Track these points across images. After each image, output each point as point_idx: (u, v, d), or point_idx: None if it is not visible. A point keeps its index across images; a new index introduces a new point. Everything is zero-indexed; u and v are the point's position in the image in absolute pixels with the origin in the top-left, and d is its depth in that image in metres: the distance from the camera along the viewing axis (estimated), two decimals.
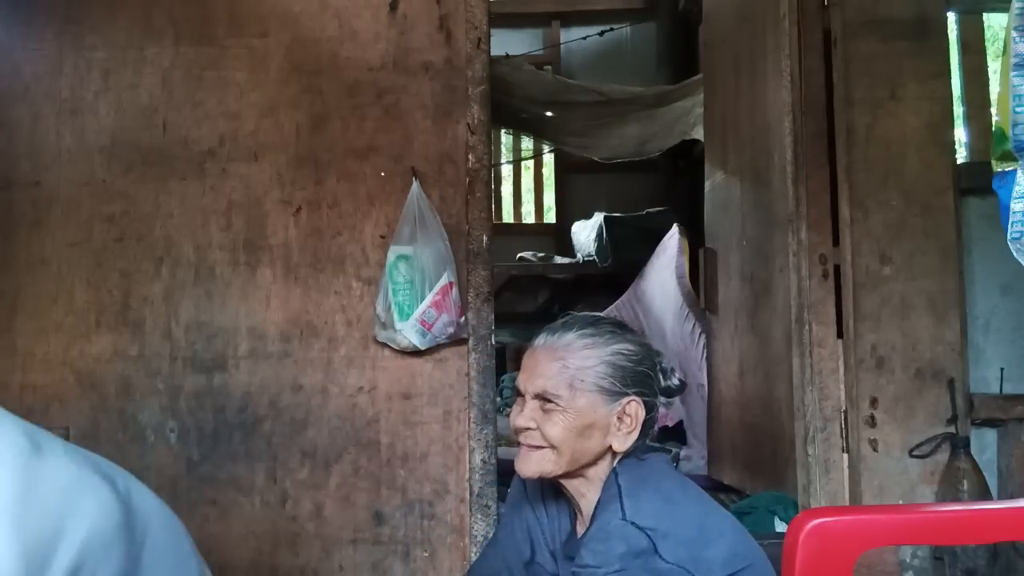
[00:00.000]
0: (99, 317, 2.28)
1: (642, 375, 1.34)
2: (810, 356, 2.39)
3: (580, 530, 1.36)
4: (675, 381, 1.38)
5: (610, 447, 1.32)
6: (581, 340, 1.33)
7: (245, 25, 2.35)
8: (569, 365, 1.31)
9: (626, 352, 1.33)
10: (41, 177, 2.32)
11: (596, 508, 1.31)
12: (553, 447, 1.31)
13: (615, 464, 1.33)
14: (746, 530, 1.33)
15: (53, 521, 0.78)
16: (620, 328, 1.38)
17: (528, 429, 1.33)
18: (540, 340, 1.36)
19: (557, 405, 1.30)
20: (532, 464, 1.33)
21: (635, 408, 1.32)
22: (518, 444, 1.36)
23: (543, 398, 1.31)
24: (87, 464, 0.85)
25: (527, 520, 1.43)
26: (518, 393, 1.37)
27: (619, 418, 1.31)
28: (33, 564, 0.75)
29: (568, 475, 1.33)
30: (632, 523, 1.21)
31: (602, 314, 1.45)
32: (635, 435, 1.32)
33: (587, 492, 1.34)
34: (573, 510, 1.39)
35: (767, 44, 2.89)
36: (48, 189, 2.31)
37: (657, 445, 1.43)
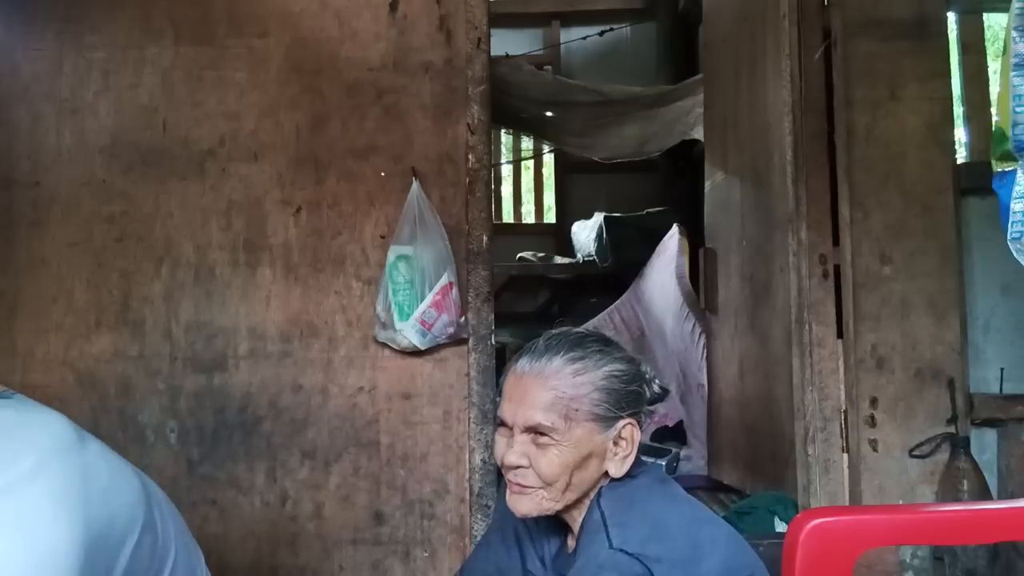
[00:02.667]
0: (99, 317, 2.28)
1: (634, 394, 1.28)
2: (810, 356, 2.39)
3: (571, 544, 1.32)
4: (657, 389, 1.33)
5: (606, 472, 1.27)
6: (571, 365, 1.24)
7: (245, 25, 2.35)
8: (562, 395, 1.22)
9: (617, 373, 1.26)
10: (41, 177, 2.32)
11: (580, 537, 1.26)
12: (547, 485, 1.23)
13: (602, 485, 1.27)
14: (742, 539, 1.29)
15: (107, 508, 0.87)
16: (606, 345, 1.30)
17: (519, 467, 1.24)
18: (524, 365, 1.26)
19: (552, 439, 1.22)
20: (531, 506, 1.25)
21: (631, 431, 1.26)
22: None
23: (536, 431, 1.23)
24: (117, 455, 0.95)
25: (517, 528, 1.38)
26: (502, 423, 1.27)
27: (615, 443, 1.25)
28: (96, 545, 0.83)
29: (568, 507, 1.28)
30: (621, 550, 1.15)
31: (583, 329, 1.37)
32: (632, 458, 1.26)
33: (579, 516, 1.29)
34: (563, 524, 1.35)
35: (767, 44, 2.88)
36: (48, 189, 2.31)
37: (658, 445, 1.41)
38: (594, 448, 1.24)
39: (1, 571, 0.77)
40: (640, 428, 1.28)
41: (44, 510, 0.80)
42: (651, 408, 1.33)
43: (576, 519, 1.29)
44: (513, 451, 1.24)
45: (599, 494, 1.26)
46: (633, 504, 1.23)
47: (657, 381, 1.34)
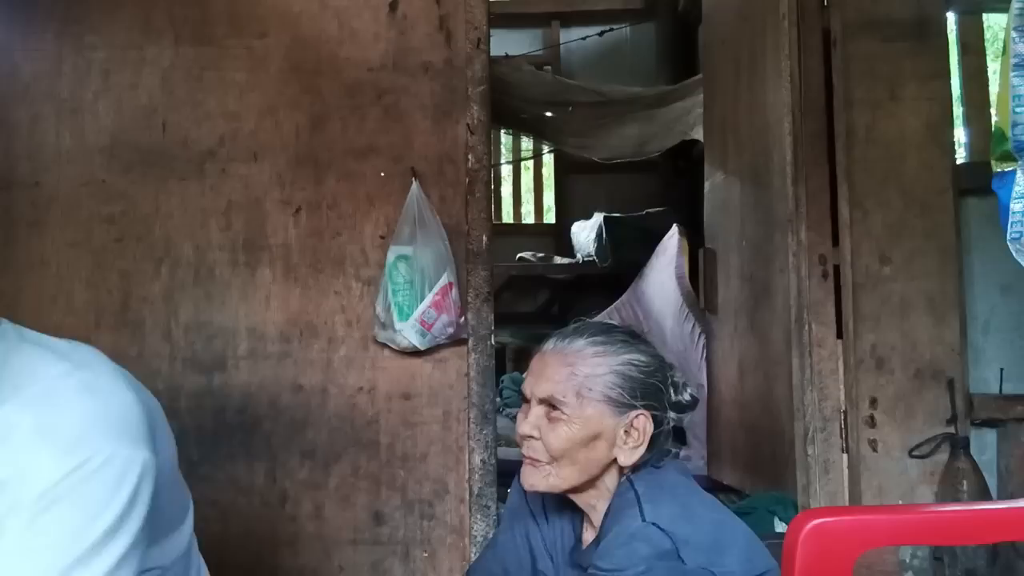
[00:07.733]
0: (99, 317, 2.28)
1: (653, 388, 1.29)
2: (810, 356, 2.39)
3: (588, 538, 1.34)
4: (687, 396, 1.34)
5: (615, 459, 1.29)
6: (592, 347, 1.29)
7: (245, 25, 2.35)
8: (578, 372, 1.27)
9: (637, 363, 1.29)
10: (41, 177, 2.31)
11: (608, 516, 1.28)
12: (554, 460, 1.27)
13: (629, 473, 1.29)
14: (759, 540, 1.30)
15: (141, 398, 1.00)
16: (633, 338, 1.33)
17: (531, 438, 1.29)
18: (550, 345, 1.32)
19: (563, 413, 1.26)
20: (538, 479, 1.29)
21: (643, 422, 1.27)
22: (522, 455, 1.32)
23: (549, 404, 1.28)
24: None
25: (526, 526, 1.40)
26: (524, 399, 1.33)
27: (626, 431, 1.27)
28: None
29: (576, 489, 1.30)
30: (654, 524, 1.18)
31: (615, 322, 1.41)
32: (642, 450, 1.28)
33: (596, 503, 1.31)
34: (578, 518, 1.37)
35: (767, 44, 2.89)
36: (48, 189, 2.31)
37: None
38: (603, 431, 1.27)
39: (92, 423, 0.89)
40: (658, 426, 1.29)
41: (116, 381, 0.95)
42: (679, 415, 1.33)
43: (594, 506, 1.32)
44: (527, 421, 1.29)
45: (631, 478, 1.28)
46: (663, 487, 1.26)
47: (689, 389, 1.34)
